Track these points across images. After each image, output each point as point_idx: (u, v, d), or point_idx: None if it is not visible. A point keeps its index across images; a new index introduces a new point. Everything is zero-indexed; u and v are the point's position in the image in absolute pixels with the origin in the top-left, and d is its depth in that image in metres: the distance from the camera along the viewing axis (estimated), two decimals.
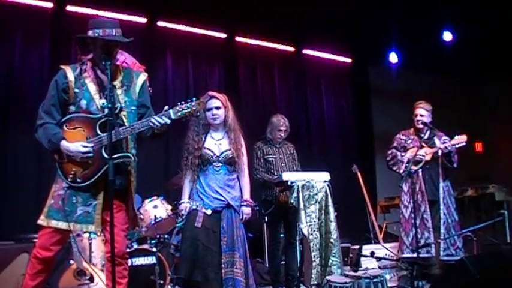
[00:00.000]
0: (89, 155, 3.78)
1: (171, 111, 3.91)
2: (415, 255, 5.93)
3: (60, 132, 3.84)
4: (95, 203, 3.87)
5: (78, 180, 3.82)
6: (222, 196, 4.71)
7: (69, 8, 7.88)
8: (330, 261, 5.62)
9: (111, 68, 3.78)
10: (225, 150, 4.80)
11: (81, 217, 3.85)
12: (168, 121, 3.88)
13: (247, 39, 9.58)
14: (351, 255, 7.14)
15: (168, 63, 8.77)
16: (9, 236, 6.36)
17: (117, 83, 3.98)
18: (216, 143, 4.85)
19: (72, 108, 3.89)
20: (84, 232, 3.89)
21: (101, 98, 3.83)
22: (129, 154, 3.90)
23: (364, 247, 6.57)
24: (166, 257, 6.06)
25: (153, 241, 6.17)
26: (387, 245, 6.93)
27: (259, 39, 9.66)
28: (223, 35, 9.31)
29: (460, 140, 6.15)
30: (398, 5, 8.19)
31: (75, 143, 3.79)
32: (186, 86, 8.84)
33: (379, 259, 6.42)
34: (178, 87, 8.78)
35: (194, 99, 4.00)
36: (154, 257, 5.98)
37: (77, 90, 3.87)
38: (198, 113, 4.18)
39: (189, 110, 3.95)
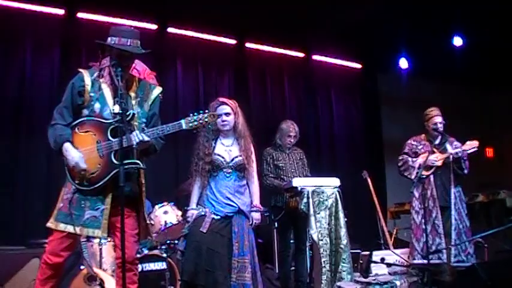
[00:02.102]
0: (82, 172, 3.78)
1: (182, 121, 3.94)
2: (426, 261, 5.90)
3: (69, 134, 3.86)
4: (102, 207, 3.88)
5: (85, 183, 3.83)
6: (233, 202, 4.70)
7: (80, 15, 7.94)
8: (340, 267, 5.61)
9: (125, 76, 3.84)
10: (236, 157, 4.81)
11: (88, 221, 3.86)
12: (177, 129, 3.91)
13: (257, 46, 9.59)
14: (361, 261, 7.11)
15: (178, 70, 8.79)
16: (20, 242, 6.40)
17: (132, 93, 4.01)
18: (226, 149, 4.85)
19: (85, 111, 3.91)
20: (91, 237, 3.88)
21: (115, 104, 3.82)
22: (138, 161, 3.89)
23: (374, 253, 6.58)
24: (177, 262, 6.07)
25: (163, 247, 6.19)
26: (397, 251, 6.91)
27: (269, 45, 9.67)
28: (233, 42, 9.33)
29: (472, 145, 6.13)
30: (408, 11, 8.18)
31: (78, 154, 3.80)
32: (196, 92, 8.87)
33: (389, 265, 6.41)
34: (188, 94, 8.81)
35: (207, 111, 4.02)
36: (164, 263, 5.99)
37: (92, 94, 3.91)
38: (210, 126, 4.19)
39: (200, 121, 3.97)
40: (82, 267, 5.62)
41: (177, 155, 8.28)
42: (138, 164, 3.90)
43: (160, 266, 6.04)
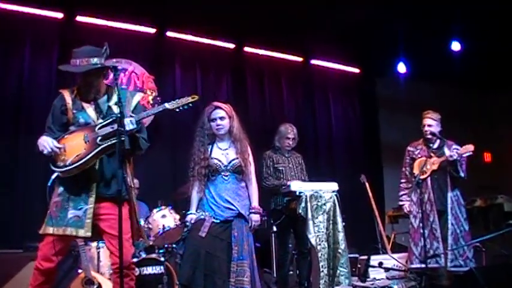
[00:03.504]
0: (57, 151, 3.92)
1: (166, 103, 4.22)
2: (424, 265, 5.90)
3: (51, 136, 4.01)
4: (85, 207, 3.94)
5: (68, 163, 3.91)
6: (233, 205, 4.70)
7: (78, 18, 7.95)
8: (338, 271, 5.61)
9: (91, 90, 4.08)
10: (233, 159, 4.81)
11: (71, 221, 3.93)
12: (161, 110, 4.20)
13: (256, 50, 9.60)
14: (359, 265, 7.12)
15: (177, 73, 8.79)
16: (18, 245, 6.39)
17: (113, 102, 4.13)
18: (223, 153, 4.85)
19: (72, 128, 4.06)
20: (75, 236, 3.93)
21: (98, 118, 4.02)
22: (123, 139, 3.85)
23: (372, 257, 6.58)
24: (175, 266, 6.07)
25: (161, 250, 6.19)
26: (395, 256, 6.91)
27: (267, 49, 9.68)
28: (231, 45, 9.34)
29: (467, 149, 6.12)
30: (406, 16, 8.20)
31: (48, 137, 3.96)
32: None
33: (387, 270, 6.41)
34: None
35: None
36: (162, 267, 6.00)
37: (75, 111, 4.06)
38: (191, 104, 4.36)
39: (183, 102, 4.31)
40: (80, 270, 5.62)
41: (175, 158, 8.28)
42: (124, 143, 3.88)
43: (158, 269, 6.05)
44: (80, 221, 3.92)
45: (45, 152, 3.92)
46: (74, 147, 3.94)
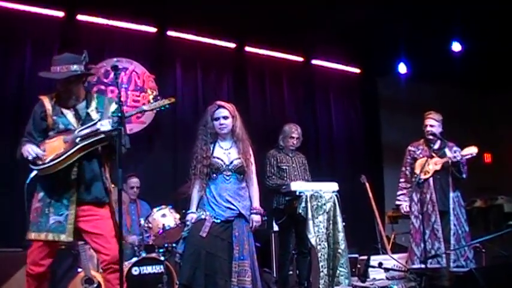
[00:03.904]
0: (40, 155, 3.99)
1: (143, 106, 4.35)
2: (424, 266, 5.90)
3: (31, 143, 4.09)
4: (66, 213, 4.01)
5: (47, 160, 3.98)
6: (234, 205, 4.69)
7: (79, 17, 7.94)
8: (338, 271, 5.62)
9: (71, 96, 4.16)
10: (234, 159, 4.80)
11: (53, 226, 4.00)
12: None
13: (257, 49, 9.59)
14: (358, 265, 7.11)
15: (178, 73, 8.79)
16: (18, 243, 6.38)
17: (92, 109, 4.22)
18: (225, 152, 4.84)
19: (51, 133, 4.12)
20: (56, 241, 3.98)
21: (77, 124, 4.10)
22: (102, 136, 4.02)
23: (372, 258, 6.57)
24: (174, 265, 6.07)
25: (161, 250, 6.19)
26: (395, 256, 6.91)
27: (268, 49, 9.67)
28: (232, 45, 9.34)
29: (470, 150, 6.13)
30: (407, 16, 8.19)
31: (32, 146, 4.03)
32: (195, 95, 8.87)
33: (387, 270, 6.40)
34: (188, 97, 8.80)
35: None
36: (162, 266, 6.00)
37: (55, 117, 4.12)
38: (168, 106, 4.40)
39: (160, 103, 4.36)
40: (79, 269, 5.62)
41: (176, 158, 8.29)
42: (103, 139, 4.05)
43: (158, 269, 6.06)
44: (62, 226, 3.99)
45: (29, 158, 4.00)
46: (54, 147, 4.03)
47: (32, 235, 4.01)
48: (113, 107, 4.29)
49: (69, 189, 4.03)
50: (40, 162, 3.98)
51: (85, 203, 4.07)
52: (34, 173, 4.06)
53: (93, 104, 4.23)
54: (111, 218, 4.14)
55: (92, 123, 4.03)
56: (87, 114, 4.17)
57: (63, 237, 3.99)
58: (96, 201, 4.10)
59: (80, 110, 4.17)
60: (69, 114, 4.14)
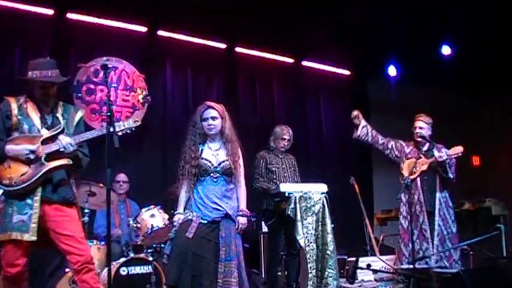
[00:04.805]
0: (31, 156, 4.05)
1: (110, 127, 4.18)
2: (412, 266, 5.91)
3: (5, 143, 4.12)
4: (30, 212, 4.01)
5: (14, 183, 4.02)
6: (221, 206, 4.67)
7: (69, 15, 7.90)
8: (326, 273, 5.63)
9: (51, 102, 4.26)
10: (223, 161, 4.78)
11: (16, 225, 4.00)
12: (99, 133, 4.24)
13: (247, 50, 9.59)
14: (347, 267, 7.13)
15: (168, 73, 8.77)
16: None
17: (59, 115, 4.30)
18: (214, 154, 4.82)
19: (15, 134, 4.15)
20: (20, 240, 3.97)
21: (42, 127, 4.17)
22: (67, 162, 4.13)
23: (360, 259, 6.59)
24: (163, 266, 6.05)
25: (149, 250, 6.17)
26: (384, 258, 6.93)
27: (259, 50, 9.68)
28: (223, 46, 9.33)
29: (456, 150, 6.15)
30: (397, 19, 8.22)
31: (21, 145, 4.07)
32: (185, 95, 8.85)
33: (375, 271, 6.42)
34: (178, 97, 8.79)
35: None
36: (150, 266, 5.98)
37: (20, 117, 4.16)
38: (134, 129, 4.40)
39: (126, 126, 4.31)
40: (67, 270, 5.59)
41: (165, 158, 8.27)
42: (68, 164, 4.16)
43: (146, 269, 6.03)
44: (25, 225, 3.99)
45: (22, 158, 4.06)
46: (20, 164, 4.06)
47: None
48: (78, 115, 4.38)
49: (34, 188, 4.05)
50: (7, 182, 4.02)
51: (52, 202, 4.10)
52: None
53: (60, 110, 4.32)
54: (79, 219, 4.20)
55: (55, 131, 4.11)
56: (55, 118, 4.25)
57: (26, 237, 3.98)
58: (64, 201, 4.14)
59: (46, 115, 4.24)
60: (35, 117, 4.19)
